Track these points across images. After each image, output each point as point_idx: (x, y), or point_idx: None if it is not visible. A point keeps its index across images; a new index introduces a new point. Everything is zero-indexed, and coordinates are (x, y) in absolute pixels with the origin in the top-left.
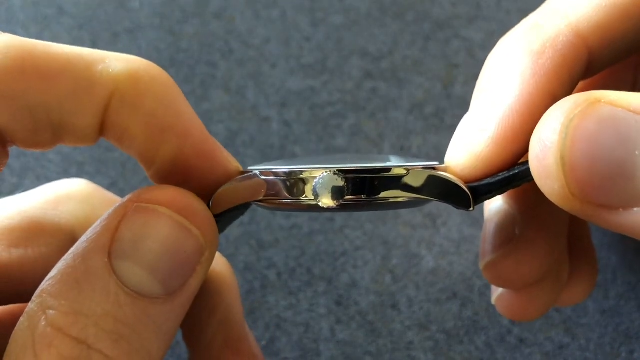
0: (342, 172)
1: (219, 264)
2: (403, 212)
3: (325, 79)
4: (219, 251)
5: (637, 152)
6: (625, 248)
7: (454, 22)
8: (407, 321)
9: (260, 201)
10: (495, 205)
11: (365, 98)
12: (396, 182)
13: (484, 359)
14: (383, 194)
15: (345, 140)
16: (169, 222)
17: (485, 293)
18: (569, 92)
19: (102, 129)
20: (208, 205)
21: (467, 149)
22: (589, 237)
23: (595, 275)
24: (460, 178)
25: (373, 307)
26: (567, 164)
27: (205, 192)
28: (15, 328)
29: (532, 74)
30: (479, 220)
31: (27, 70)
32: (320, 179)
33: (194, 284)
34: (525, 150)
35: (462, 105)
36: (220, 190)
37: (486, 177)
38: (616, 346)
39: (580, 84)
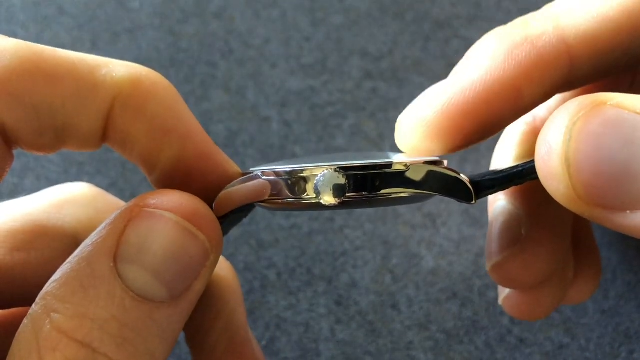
0: (343, 170)
1: (223, 268)
2: (403, 212)
3: (325, 79)
4: None
5: None
6: (625, 247)
7: (454, 22)
8: (407, 321)
9: (262, 201)
10: (499, 206)
11: (365, 98)
12: (397, 178)
13: (484, 359)
14: (384, 190)
15: (345, 140)
16: (175, 227)
17: (485, 293)
18: (539, 94)
19: (105, 134)
20: (211, 208)
21: (417, 113)
22: (592, 237)
23: (599, 273)
24: (403, 140)
25: (373, 307)
26: (572, 166)
27: (207, 195)
28: (19, 330)
29: (503, 60)
30: (479, 220)
31: (33, 71)
32: (321, 177)
33: (198, 288)
34: (476, 130)
35: None
36: (223, 192)
37: (429, 144)
38: (616, 346)
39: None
